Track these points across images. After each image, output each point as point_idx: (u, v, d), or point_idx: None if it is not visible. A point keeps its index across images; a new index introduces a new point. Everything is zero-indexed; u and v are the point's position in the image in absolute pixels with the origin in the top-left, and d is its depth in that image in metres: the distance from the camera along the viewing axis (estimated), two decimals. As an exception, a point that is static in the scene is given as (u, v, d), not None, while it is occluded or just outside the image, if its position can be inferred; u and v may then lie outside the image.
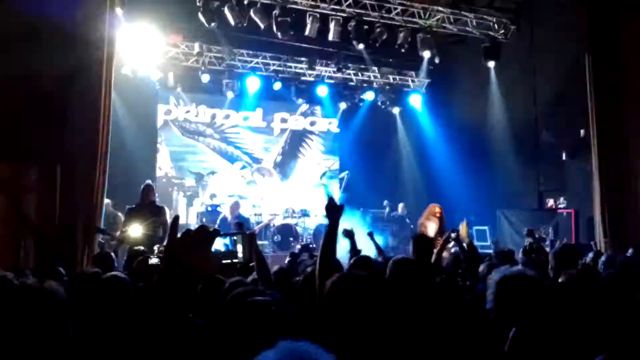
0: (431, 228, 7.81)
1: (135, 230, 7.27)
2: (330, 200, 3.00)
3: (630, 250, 7.32)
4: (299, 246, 10.72)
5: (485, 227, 11.84)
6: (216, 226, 9.38)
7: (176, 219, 1.56)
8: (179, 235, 1.49)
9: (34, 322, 2.15)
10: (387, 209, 13.04)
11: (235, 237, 2.04)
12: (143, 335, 1.42)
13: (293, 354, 1.19)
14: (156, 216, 7.82)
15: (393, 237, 12.01)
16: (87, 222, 7.59)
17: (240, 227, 6.25)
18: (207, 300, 2.67)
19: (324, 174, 14.28)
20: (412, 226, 12.30)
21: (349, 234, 5.31)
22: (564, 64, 10.79)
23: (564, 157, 12.04)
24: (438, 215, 8.06)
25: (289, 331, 2.26)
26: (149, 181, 8.49)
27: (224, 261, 2.08)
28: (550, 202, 12.38)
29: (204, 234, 1.51)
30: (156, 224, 7.72)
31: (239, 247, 2.04)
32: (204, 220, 11.06)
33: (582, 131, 11.08)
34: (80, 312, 2.93)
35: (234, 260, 2.10)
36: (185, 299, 1.43)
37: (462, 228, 5.66)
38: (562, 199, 12.08)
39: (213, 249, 1.55)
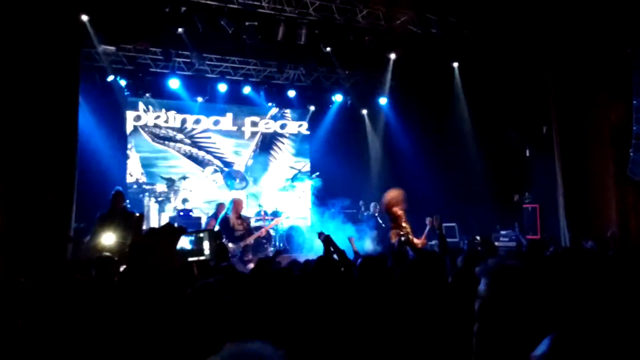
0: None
1: (108, 238, 7.20)
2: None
3: (589, 243, 7.55)
4: (271, 249, 10.81)
5: (454, 224, 12.05)
6: (216, 227, 9.19)
7: (140, 217, 1.58)
8: (143, 233, 1.52)
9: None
10: (362, 209, 13.17)
11: (201, 235, 2.06)
12: (109, 330, 1.43)
13: (240, 356, 1.16)
14: (128, 223, 7.80)
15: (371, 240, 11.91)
16: (57, 230, 7.58)
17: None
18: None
19: (295, 176, 14.37)
20: (383, 225, 12.44)
21: (327, 241, 5.64)
22: (526, 62, 11.06)
23: (527, 154, 12.34)
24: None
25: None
26: (118, 188, 8.40)
27: (190, 259, 2.11)
28: (516, 198, 12.66)
29: (169, 232, 1.51)
30: (128, 231, 7.71)
31: (206, 245, 2.06)
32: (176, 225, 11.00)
33: (544, 127, 11.38)
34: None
35: (201, 258, 2.11)
36: (148, 295, 1.41)
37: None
38: (527, 194, 12.37)
39: (179, 246, 1.55)
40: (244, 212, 9.82)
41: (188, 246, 2.08)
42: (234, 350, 1.16)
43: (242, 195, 13.20)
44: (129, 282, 1.42)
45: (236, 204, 9.18)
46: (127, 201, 8.65)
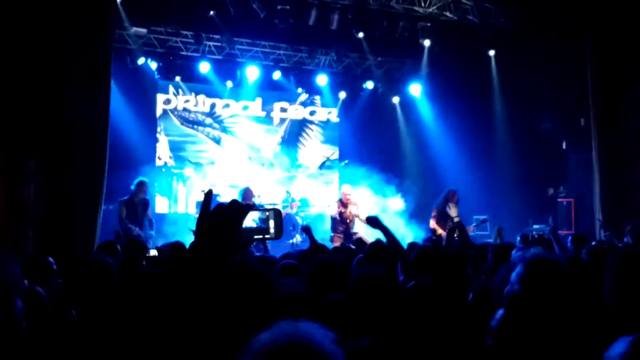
0: (454, 211, 8.32)
1: None
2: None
3: (626, 238, 7.34)
4: (297, 235, 10.73)
5: (485, 216, 11.80)
6: None
7: (209, 193, 1.52)
8: (211, 209, 1.47)
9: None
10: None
11: (267, 213, 1.99)
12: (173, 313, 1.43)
13: (291, 334, 1.16)
14: (145, 211, 8.30)
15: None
16: (87, 212, 7.61)
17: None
18: None
19: (323, 164, 14.25)
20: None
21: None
22: (565, 52, 10.76)
23: (564, 147, 12.03)
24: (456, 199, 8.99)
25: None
26: (143, 178, 8.70)
27: (255, 236, 2.05)
28: (551, 191, 12.37)
29: (237, 209, 1.49)
30: (143, 222, 8.23)
31: (271, 223, 1.98)
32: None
33: (582, 120, 11.08)
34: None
35: (266, 236, 2.05)
36: (214, 275, 1.41)
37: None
38: (562, 188, 12.08)
39: (244, 225, 1.55)
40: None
41: (252, 224, 2.01)
42: (285, 327, 1.18)
43: (270, 181, 13.14)
44: (197, 260, 1.42)
45: (246, 193, 9.12)
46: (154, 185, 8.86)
